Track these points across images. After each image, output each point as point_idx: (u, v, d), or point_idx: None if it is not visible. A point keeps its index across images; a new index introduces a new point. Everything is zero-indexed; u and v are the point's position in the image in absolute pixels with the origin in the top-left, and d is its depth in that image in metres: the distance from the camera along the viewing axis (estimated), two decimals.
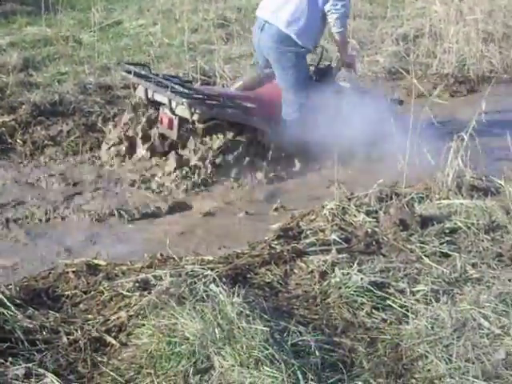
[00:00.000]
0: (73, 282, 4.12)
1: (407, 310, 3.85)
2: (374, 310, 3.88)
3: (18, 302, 3.86)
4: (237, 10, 10.54)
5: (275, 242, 4.57)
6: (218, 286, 3.84)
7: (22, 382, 3.29)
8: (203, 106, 5.83)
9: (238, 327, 3.49)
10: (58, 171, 6.08)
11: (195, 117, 5.83)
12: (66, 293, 4.03)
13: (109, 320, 3.77)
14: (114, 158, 6.21)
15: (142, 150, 6.13)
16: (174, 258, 4.36)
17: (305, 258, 4.38)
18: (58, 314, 3.82)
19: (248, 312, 3.60)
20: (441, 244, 4.53)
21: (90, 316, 3.82)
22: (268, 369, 3.27)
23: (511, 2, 9.73)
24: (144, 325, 3.64)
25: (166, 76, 6.31)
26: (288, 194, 5.69)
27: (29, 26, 9.95)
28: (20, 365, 3.38)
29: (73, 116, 6.94)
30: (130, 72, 6.14)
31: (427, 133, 5.49)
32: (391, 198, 5.07)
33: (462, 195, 5.10)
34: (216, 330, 3.46)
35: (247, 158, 5.95)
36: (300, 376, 3.27)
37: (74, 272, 4.20)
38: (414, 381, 3.38)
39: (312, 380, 3.26)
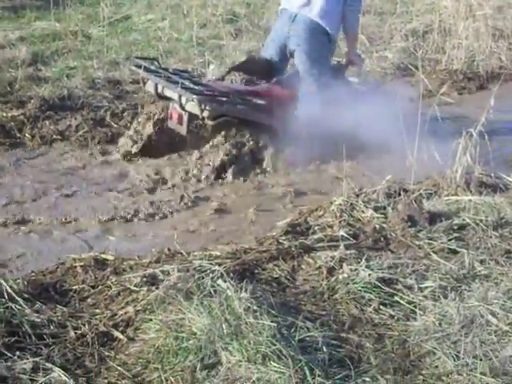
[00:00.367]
0: (80, 276, 4.12)
1: (415, 307, 3.84)
2: (381, 306, 3.88)
3: (26, 296, 3.86)
4: (246, 5, 10.51)
5: (283, 238, 4.56)
6: (225, 282, 3.84)
7: (30, 376, 3.29)
8: (213, 103, 5.82)
9: (246, 323, 3.49)
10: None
11: (205, 113, 5.82)
12: (74, 287, 4.03)
13: (116, 315, 3.77)
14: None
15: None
16: (181, 253, 4.36)
17: (312, 253, 4.37)
18: (65, 309, 3.82)
19: (255, 307, 3.60)
20: (449, 240, 4.51)
21: (97, 310, 3.82)
22: (275, 364, 3.27)
23: None
24: (151, 320, 3.64)
25: (175, 70, 6.30)
26: (297, 190, 5.68)
27: (38, 21, 9.93)
28: (27, 359, 3.38)
29: (81, 111, 6.93)
30: (139, 66, 6.14)
31: (436, 129, 5.47)
32: (399, 194, 5.06)
33: (471, 191, 5.08)
34: (223, 326, 3.46)
35: (257, 155, 5.95)
36: (307, 372, 3.26)
37: (81, 266, 4.20)
38: (421, 377, 3.37)
39: (319, 376, 3.25)
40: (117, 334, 3.65)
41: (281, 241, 4.52)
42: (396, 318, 3.80)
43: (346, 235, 4.54)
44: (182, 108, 5.87)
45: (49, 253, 4.68)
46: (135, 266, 4.23)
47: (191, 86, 5.78)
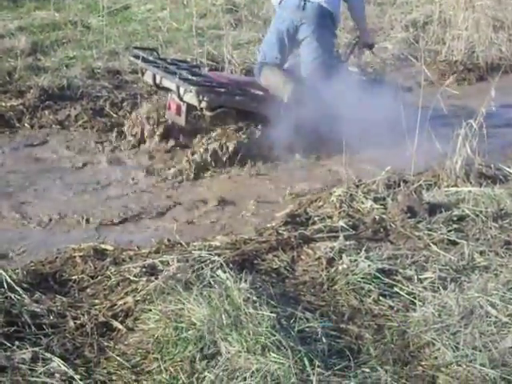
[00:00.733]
0: (80, 266, 4.12)
1: (414, 298, 3.85)
2: (381, 297, 3.88)
3: (25, 286, 3.87)
4: None
5: (283, 228, 4.56)
6: (225, 272, 3.84)
7: (29, 365, 3.29)
8: (211, 94, 5.82)
9: (245, 313, 3.49)
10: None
11: (203, 104, 5.81)
12: (73, 277, 4.03)
13: (116, 305, 3.77)
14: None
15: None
16: (181, 244, 4.36)
17: (312, 244, 4.37)
18: (64, 299, 3.83)
19: (255, 298, 3.60)
20: (449, 231, 4.51)
21: (96, 301, 3.82)
22: (274, 355, 3.27)
23: None
24: (151, 310, 3.64)
25: (174, 60, 6.29)
26: (296, 180, 5.67)
27: (37, 11, 9.95)
28: (27, 349, 3.38)
29: (81, 101, 6.94)
30: (138, 57, 6.13)
31: (436, 120, 5.46)
32: (399, 185, 5.06)
33: (471, 183, 5.08)
34: (223, 316, 3.46)
35: (256, 146, 5.94)
36: (307, 362, 3.27)
37: (81, 257, 4.20)
38: (420, 368, 3.37)
39: (319, 366, 3.25)
40: (116, 324, 3.65)
41: (280, 231, 4.52)
42: (395, 308, 3.80)
43: (345, 226, 4.53)
44: (181, 99, 5.86)
45: (48, 243, 4.66)
46: (135, 256, 4.23)
47: (189, 76, 5.77)
